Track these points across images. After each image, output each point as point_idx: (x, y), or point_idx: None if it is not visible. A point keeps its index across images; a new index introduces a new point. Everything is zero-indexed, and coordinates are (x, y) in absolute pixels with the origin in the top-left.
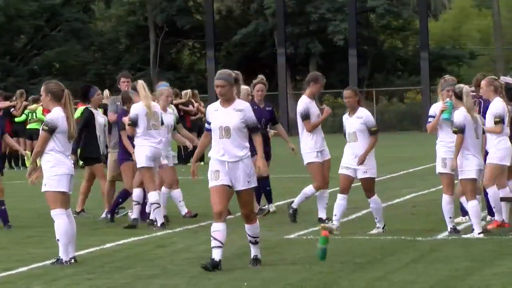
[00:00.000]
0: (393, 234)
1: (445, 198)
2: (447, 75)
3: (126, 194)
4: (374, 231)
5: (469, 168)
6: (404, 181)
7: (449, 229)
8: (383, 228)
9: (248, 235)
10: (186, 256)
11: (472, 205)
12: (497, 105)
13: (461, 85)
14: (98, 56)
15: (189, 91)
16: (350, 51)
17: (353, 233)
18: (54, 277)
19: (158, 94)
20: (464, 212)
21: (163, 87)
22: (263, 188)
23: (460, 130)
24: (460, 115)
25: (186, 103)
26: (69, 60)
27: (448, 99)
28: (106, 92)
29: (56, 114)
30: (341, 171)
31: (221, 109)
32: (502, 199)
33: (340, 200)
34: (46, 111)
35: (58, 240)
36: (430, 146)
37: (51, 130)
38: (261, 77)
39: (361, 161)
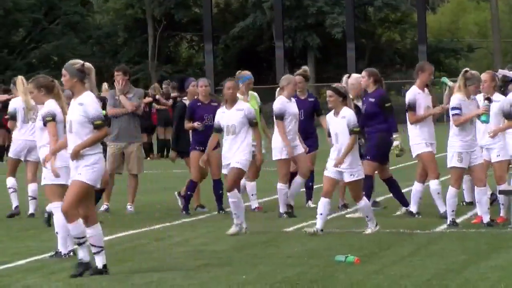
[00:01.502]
0: (390, 228)
1: (451, 191)
2: (468, 69)
3: (194, 185)
4: (368, 231)
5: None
6: (402, 174)
7: (448, 222)
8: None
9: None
10: (183, 249)
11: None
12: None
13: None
14: (96, 50)
15: None
16: (348, 44)
17: (350, 227)
18: (51, 270)
19: (284, 83)
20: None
21: (248, 78)
22: (306, 184)
23: (359, 131)
24: (354, 115)
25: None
26: (67, 54)
27: (486, 101)
28: (105, 85)
29: (53, 106)
30: (224, 170)
31: (71, 103)
32: (500, 192)
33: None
34: None
35: (57, 233)
36: None
37: (54, 117)
38: (303, 68)
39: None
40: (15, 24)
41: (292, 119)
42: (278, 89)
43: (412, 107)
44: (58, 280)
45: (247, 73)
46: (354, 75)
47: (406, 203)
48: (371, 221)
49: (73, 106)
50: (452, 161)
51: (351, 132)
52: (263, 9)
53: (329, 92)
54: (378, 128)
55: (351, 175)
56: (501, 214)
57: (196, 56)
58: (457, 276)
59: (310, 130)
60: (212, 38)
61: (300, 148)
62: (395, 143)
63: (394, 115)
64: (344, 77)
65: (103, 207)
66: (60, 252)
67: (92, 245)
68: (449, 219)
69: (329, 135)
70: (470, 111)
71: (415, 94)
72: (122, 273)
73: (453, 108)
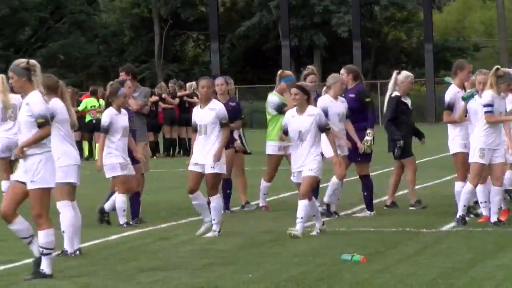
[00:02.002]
0: (396, 227)
1: (468, 187)
2: (499, 66)
3: (229, 183)
4: (210, 234)
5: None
6: None
7: (457, 216)
8: (219, 232)
9: (39, 244)
10: (189, 248)
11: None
12: None
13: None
14: (102, 48)
15: (193, 83)
16: (354, 43)
17: (356, 226)
18: (58, 269)
19: (331, 81)
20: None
21: (291, 79)
22: None
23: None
24: (322, 113)
25: (190, 95)
26: (73, 52)
27: None
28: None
29: (55, 104)
30: (191, 167)
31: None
32: (507, 191)
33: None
34: None
35: (63, 231)
36: (434, 138)
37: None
38: (311, 67)
39: (217, 158)
40: (21, 23)
41: (335, 118)
42: (324, 87)
43: (451, 107)
44: (64, 278)
45: (289, 73)
46: (404, 72)
47: (371, 208)
48: (318, 220)
49: (22, 106)
50: (474, 157)
51: (324, 130)
52: (269, 8)
53: (294, 90)
54: (363, 126)
55: (310, 169)
56: (503, 208)
57: (202, 55)
58: (463, 275)
59: None
60: (218, 37)
61: (345, 150)
62: (367, 138)
63: (374, 111)
64: (394, 73)
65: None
66: (67, 251)
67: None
68: (459, 213)
69: (285, 134)
70: (501, 108)
71: (455, 93)
72: (127, 272)
73: (486, 105)
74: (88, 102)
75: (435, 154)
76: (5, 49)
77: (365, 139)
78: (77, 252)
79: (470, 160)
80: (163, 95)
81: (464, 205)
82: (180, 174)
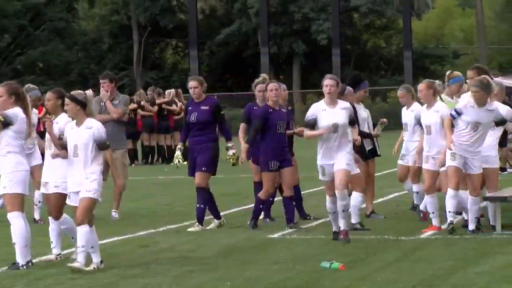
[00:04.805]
0: (376, 234)
1: (450, 192)
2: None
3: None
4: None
5: None
6: (387, 180)
7: (448, 221)
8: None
9: None
10: (169, 255)
11: None
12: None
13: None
14: (81, 56)
15: (172, 90)
16: (333, 50)
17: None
18: (37, 277)
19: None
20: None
21: (459, 80)
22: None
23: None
24: (102, 127)
25: (169, 102)
26: (53, 60)
27: None
28: (90, 92)
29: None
30: (53, 190)
31: None
32: (485, 198)
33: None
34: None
35: (14, 243)
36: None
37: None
38: (263, 76)
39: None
40: (0, 30)
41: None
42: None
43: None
44: (44, 286)
45: (458, 74)
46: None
47: (218, 216)
48: (96, 254)
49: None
50: (447, 161)
51: (102, 147)
52: (248, 15)
53: (66, 101)
54: (211, 138)
55: (87, 191)
56: (491, 223)
57: (182, 62)
58: (444, 282)
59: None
60: (197, 44)
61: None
62: (231, 151)
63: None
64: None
65: None
66: (18, 263)
67: None
68: (449, 219)
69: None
70: (470, 118)
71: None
72: (107, 279)
73: (454, 110)
74: None
75: None
76: None
77: (230, 153)
78: (30, 264)
79: (445, 165)
80: (142, 103)
81: (449, 211)
82: (159, 182)
